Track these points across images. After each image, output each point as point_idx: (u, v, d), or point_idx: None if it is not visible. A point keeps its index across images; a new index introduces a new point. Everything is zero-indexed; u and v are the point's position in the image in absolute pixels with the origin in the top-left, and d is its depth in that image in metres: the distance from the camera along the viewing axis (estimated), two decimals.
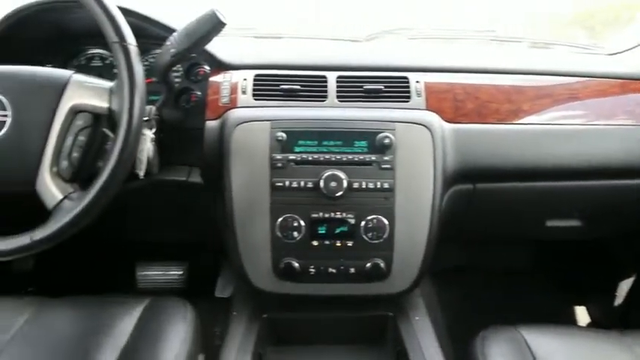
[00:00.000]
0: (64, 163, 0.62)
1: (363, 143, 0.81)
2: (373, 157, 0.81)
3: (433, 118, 0.84)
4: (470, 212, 0.98)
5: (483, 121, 0.88)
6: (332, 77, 0.88)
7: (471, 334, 0.78)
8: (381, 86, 0.87)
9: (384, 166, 0.81)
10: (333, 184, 0.79)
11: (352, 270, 0.82)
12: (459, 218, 0.95)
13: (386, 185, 0.80)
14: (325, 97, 0.86)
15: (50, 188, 0.60)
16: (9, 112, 0.60)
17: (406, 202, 0.81)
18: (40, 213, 0.61)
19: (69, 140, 0.62)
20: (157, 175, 0.85)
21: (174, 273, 1.37)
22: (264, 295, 0.84)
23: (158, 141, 0.80)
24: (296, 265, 0.80)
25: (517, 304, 1.30)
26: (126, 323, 0.74)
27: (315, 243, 0.81)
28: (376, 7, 1.72)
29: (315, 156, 0.80)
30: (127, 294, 0.83)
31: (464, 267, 1.41)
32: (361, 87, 0.87)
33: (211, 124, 0.85)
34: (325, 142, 0.81)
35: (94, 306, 0.78)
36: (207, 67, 0.96)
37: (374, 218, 0.81)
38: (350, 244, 0.81)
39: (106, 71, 0.97)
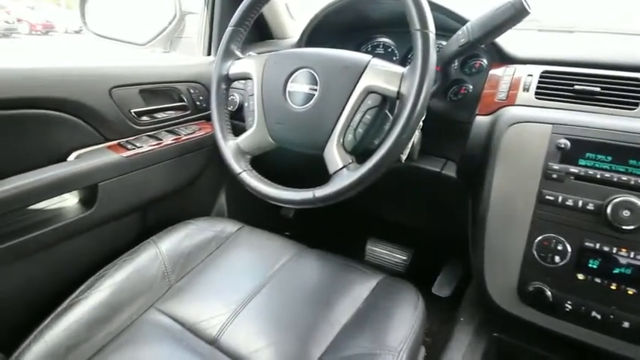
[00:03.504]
0: (349, 137, 0.70)
1: None
2: None
3: None
4: None
5: None
6: None
7: None
8: None
9: None
10: (625, 213, 0.63)
11: (626, 324, 0.65)
12: None
13: None
14: (636, 105, 0.69)
15: (335, 156, 0.69)
16: (319, 87, 0.72)
17: None
18: (314, 176, 0.71)
19: (357, 117, 0.69)
20: (415, 161, 0.87)
21: (399, 257, 1.42)
22: (498, 312, 0.76)
23: (421, 129, 0.82)
24: (548, 293, 0.69)
25: None
26: (361, 290, 0.81)
27: (580, 276, 0.68)
28: None
29: (606, 174, 0.66)
30: (359, 262, 0.90)
31: None
32: None
33: (482, 119, 0.81)
34: (625, 161, 0.65)
35: (338, 265, 0.88)
36: (484, 60, 0.91)
37: None
38: (631, 292, 0.64)
39: (386, 58, 1.05)
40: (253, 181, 0.76)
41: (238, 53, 0.84)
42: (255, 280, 0.83)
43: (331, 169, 0.70)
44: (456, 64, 0.94)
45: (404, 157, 0.78)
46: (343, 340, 0.70)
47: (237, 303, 0.78)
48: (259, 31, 1.25)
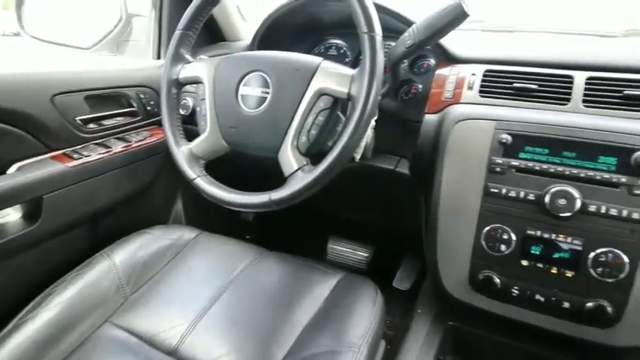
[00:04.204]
0: (303, 139, 0.70)
1: (612, 160, 0.67)
2: (623, 179, 0.66)
3: None
4: None
5: None
6: (580, 78, 0.76)
7: None
8: None
9: (637, 191, 0.65)
10: (561, 201, 0.68)
11: (566, 304, 0.70)
12: None
13: (636, 215, 0.65)
14: (568, 100, 0.75)
15: (289, 158, 0.70)
16: (271, 90, 0.72)
17: None
18: (271, 179, 0.72)
19: (310, 119, 0.70)
20: (369, 160, 0.89)
21: (360, 254, 1.44)
22: (453, 301, 0.80)
23: (374, 128, 0.84)
24: (497, 280, 0.73)
25: None
26: (322, 290, 0.81)
27: (524, 262, 0.72)
28: None
29: (544, 166, 0.71)
30: (320, 262, 0.91)
31: None
32: (620, 92, 0.72)
33: (430, 117, 0.84)
34: (560, 152, 0.70)
35: (298, 266, 0.88)
36: (432, 60, 0.95)
37: (609, 252, 0.67)
38: (569, 274, 0.70)
39: (339, 60, 1.07)
40: (208, 186, 0.75)
41: (188, 57, 0.83)
42: (214, 286, 0.82)
43: (286, 172, 0.70)
44: (405, 64, 0.97)
45: (358, 156, 0.80)
46: (305, 340, 0.71)
47: (197, 311, 0.77)
48: (211, 34, 1.23)
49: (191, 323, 0.74)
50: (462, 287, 0.78)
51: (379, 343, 0.75)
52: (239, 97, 0.74)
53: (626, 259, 0.66)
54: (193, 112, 1.07)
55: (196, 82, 0.81)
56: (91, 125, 0.97)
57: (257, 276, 0.86)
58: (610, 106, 0.72)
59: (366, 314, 0.74)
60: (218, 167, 0.82)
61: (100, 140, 0.98)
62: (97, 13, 1.25)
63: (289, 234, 1.56)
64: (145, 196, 1.13)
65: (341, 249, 1.47)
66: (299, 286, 0.82)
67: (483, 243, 0.74)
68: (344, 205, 1.28)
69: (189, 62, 0.82)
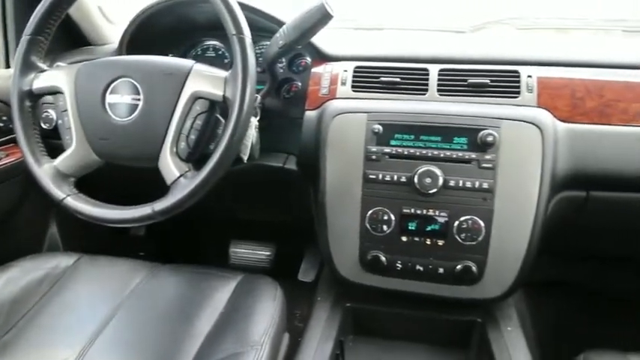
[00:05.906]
0: (182, 145, 0.68)
1: (463, 140, 0.78)
2: (473, 155, 0.77)
3: (545, 117, 0.77)
4: (579, 222, 0.89)
5: (606, 121, 0.79)
6: (434, 70, 0.85)
7: (568, 356, 0.72)
8: (486, 80, 0.82)
9: (484, 165, 0.76)
10: (427, 180, 0.77)
11: (441, 270, 0.80)
12: (565, 228, 0.87)
13: (485, 185, 0.76)
14: (426, 90, 0.84)
15: (170, 166, 0.67)
16: (142, 97, 0.68)
17: (506, 205, 0.76)
18: (156, 188, 0.69)
19: (188, 124, 0.68)
20: (257, 159, 0.90)
21: (263, 253, 1.45)
22: (348, 284, 0.85)
23: (260, 128, 0.85)
24: (383, 258, 0.80)
25: (623, 332, 1.15)
26: (222, 295, 0.80)
27: (404, 238, 0.80)
28: None
29: (411, 150, 0.79)
30: (220, 267, 0.90)
31: (563, 282, 1.28)
32: (465, 81, 0.83)
33: (310, 114, 0.88)
34: (422, 137, 0.79)
35: (195, 275, 0.86)
36: (308, 59, 0.99)
37: (469, 219, 0.77)
38: (441, 243, 0.79)
39: (218, 61, 1.06)
40: (81, 205, 0.69)
41: (42, 65, 0.75)
42: (102, 311, 0.76)
43: (168, 180, 0.68)
44: (284, 63, 0.99)
45: (245, 157, 0.80)
46: (208, 349, 0.69)
47: (85, 340, 0.70)
48: (72, 38, 1.12)
49: (79, 354, 0.68)
50: (354, 269, 0.83)
51: (282, 336, 0.77)
52: (107, 106, 0.70)
53: (482, 223, 0.77)
54: (57, 126, 0.97)
55: (54, 92, 0.73)
56: None
57: (151, 293, 0.82)
58: (458, 93, 0.82)
59: (266, 311, 0.75)
60: (95, 184, 0.75)
61: None
62: None
63: (188, 244, 1.50)
64: (8, 224, 0.99)
65: (243, 251, 1.45)
66: (197, 296, 0.80)
67: (368, 225, 0.81)
68: (240, 206, 1.27)
69: (43, 71, 0.74)
